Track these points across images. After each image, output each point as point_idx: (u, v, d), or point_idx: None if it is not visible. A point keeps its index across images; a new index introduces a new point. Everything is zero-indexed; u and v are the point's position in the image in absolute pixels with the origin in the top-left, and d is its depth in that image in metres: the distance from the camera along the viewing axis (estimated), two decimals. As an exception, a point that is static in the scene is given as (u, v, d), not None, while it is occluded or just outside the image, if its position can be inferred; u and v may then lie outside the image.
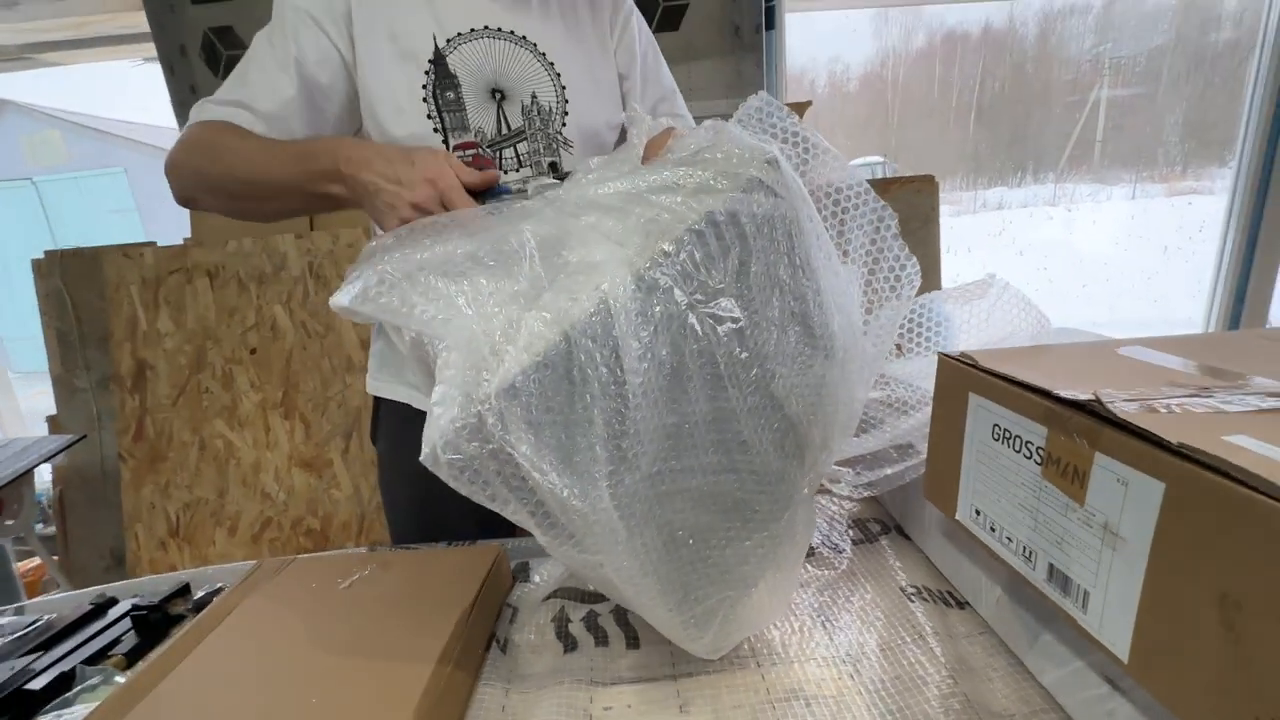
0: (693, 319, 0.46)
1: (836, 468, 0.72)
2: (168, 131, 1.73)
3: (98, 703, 0.53)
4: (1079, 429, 0.42)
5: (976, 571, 0.61)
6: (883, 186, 1.47)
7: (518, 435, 0.42)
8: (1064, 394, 0.43)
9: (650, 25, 1.54)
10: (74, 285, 1.65)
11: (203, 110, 0.73)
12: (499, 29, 0.76)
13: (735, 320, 0.47)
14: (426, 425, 0.43)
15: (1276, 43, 1.54)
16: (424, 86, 0.75)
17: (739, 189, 0.48)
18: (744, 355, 0.48)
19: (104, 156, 7.41)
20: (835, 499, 0.81)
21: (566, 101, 0.79)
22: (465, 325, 0.45)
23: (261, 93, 0.72)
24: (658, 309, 0.45)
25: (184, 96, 1.68)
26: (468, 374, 0.43)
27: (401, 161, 0.60)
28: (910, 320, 0.79)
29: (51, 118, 7.42)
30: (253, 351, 1.48)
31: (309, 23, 0.72)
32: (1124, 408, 0.40)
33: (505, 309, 0.46)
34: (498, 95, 0.77)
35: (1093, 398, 0.41)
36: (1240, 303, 1.62)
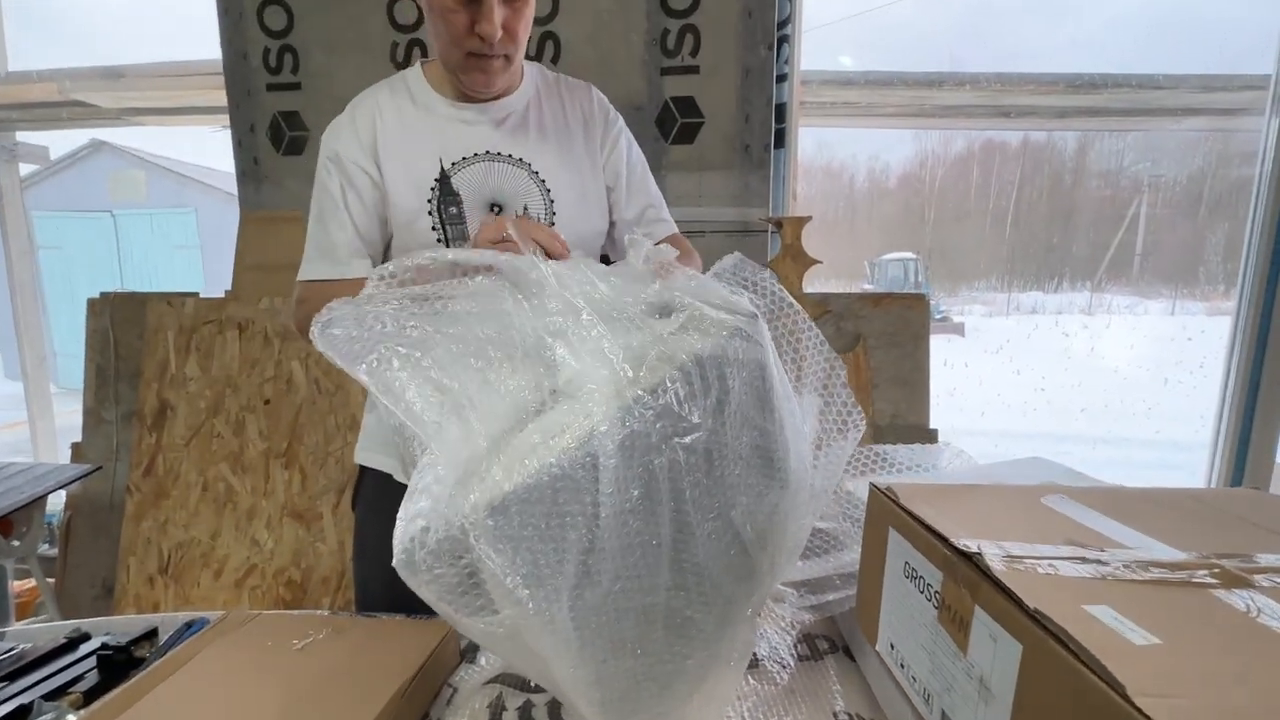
0: (667, 450, 0.50)
1: (782, 587, 0.74)
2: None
3: (45, 740, 0.57)
4: (964, 579, 0.44)
5: (904, 706, 0.61)
6: (874, 300, 1.53)
7: (498, 551, 0.44)
8: (957, 543, 0.46)
9: (669, 138, 1.70)
10: (119, 325, 1.79)
11: (307, 273, 0.90)
12: (499, 153, 0.88)
13: (707, 454, 0.51)
14: (398, 531, 0.46)
15: (1273, 177, 1.59)
16: (429, 201, 0.86)
17: (724, 334, 0.54)
18: (709, 484, 0.52)
19: (179, 197, 8.04)
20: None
21: (554, 213, 0.90)
22: (457, 437, 0.48)
23: (343, 249, 0.88)
24: (638, 441, 0.49)
25: (247, 167, 1.87)
26: (454, 489, 0.46)
27: None
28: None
29: (138, 159, 8.14)
30: (266, 402, 1.57)
31: (355, 170, 0.86)
32: (1006, 564, 0.43)
33: (496, 424, 0.49)
34: (496, 209, 0.88)
35: (976, 551, 0.44)
36: (1246, 439, 1.60)
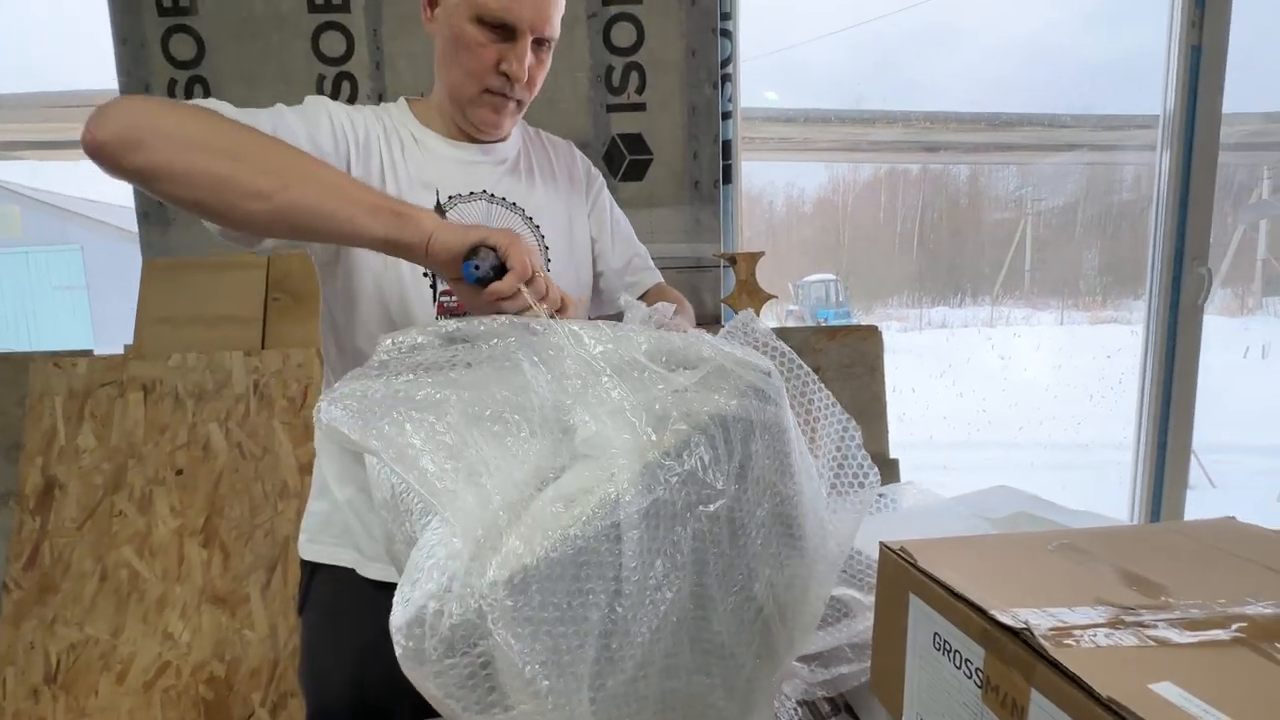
0: (691, 520, 0.46)
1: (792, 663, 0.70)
2: (128, 211, 1.72)
3: None
4: (1014, 659, 0.42)
5: (927, 776, 0.58)
6: (830, 334, 1.56)
7: (516, 636, 0.39)
8: (999, 617, 0.43)
9: (618, 175, 1.68)
10: (-7, 391, 1.55)
11: (221, 107, 0.65)
12: (492, 194, 0.85)
13: (730, 522, 0.48)
14: (399, 615, 0.39)
15: (1169, 207, 1.76)
16: None
17: (744, 394, 0.51)
18: (732, 555, 0.48)
19: (61, 233, 7.30)
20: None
21: (549, 260, 0.86)
22: (472, 505, 0.43)
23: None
24: (663, 509, 0.45)
25: (150, 208, 1.68)
26: (470, 564, 0.40)
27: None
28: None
29: (10, 192, 7.34)
30: (179, 472, 1.38)
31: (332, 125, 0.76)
32: (1055, 640, 0.40)
33: (514, 491, 0.44)
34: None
35: (1024, 626, 0.41)
36: (1163, 437, 1.74)
